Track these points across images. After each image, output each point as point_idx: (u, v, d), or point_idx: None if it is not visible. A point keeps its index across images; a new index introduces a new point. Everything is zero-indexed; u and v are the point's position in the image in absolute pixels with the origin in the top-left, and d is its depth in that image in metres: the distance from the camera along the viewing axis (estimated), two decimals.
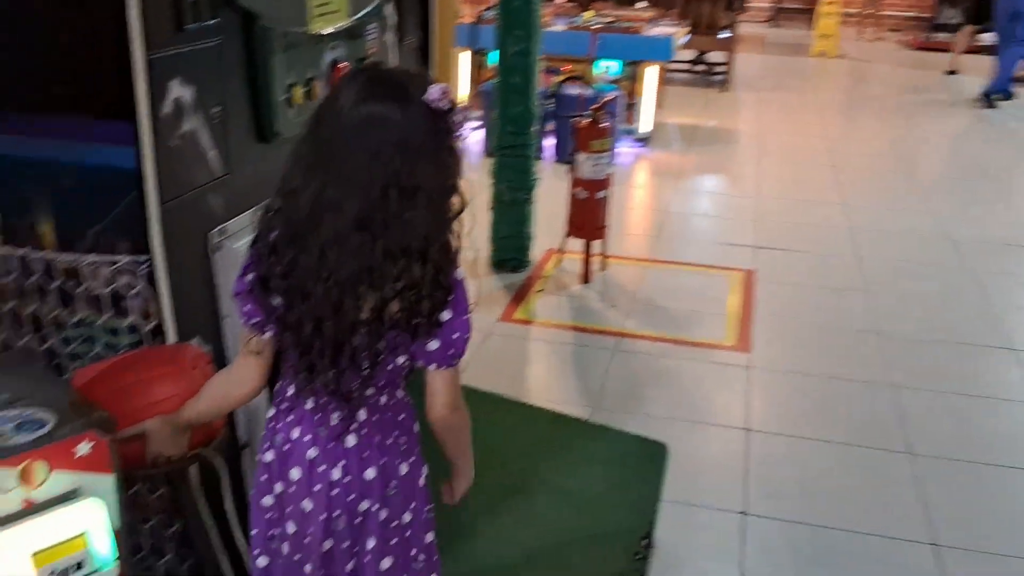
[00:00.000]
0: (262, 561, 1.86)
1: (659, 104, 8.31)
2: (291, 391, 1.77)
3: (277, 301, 1.65)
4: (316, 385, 1.69)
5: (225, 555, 2.02)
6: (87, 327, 2.05)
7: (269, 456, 1.81)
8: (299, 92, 2.40)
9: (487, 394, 3.71)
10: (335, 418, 1.74)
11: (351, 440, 1.75)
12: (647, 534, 3.03)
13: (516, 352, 4.34)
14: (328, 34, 2.52)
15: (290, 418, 1.78)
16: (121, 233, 1.94)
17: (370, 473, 1.76)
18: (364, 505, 1.78)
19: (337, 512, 1.76)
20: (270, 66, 2.27)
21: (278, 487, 1.80)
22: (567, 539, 2.97)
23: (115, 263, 1.96)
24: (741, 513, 3.19)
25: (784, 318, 4.78)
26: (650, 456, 3.48)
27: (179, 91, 1.96)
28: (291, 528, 1.80)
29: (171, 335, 2.00)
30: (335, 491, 1.76)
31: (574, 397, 3.94)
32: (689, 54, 10.74)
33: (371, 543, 1.80)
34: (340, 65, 2.61)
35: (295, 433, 1.77)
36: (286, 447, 1.78)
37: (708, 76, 10.92)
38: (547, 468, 3.30)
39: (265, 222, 1.65)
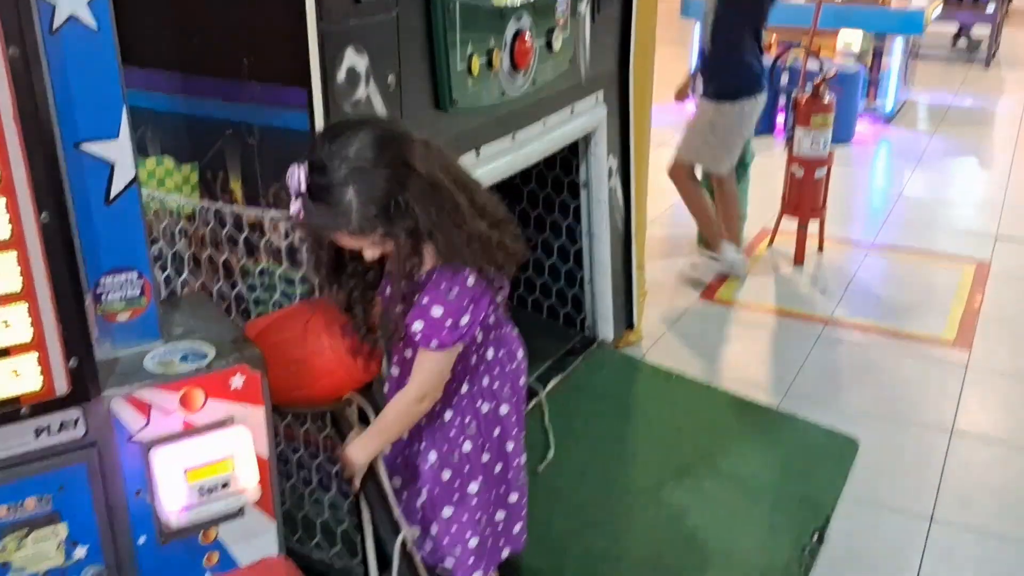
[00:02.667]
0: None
1: (907, 80, 7.76)
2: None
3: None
4: None
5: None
6: (269, 275, 2.25)
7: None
8: (478, 62, 2.48)
9: (669, 373, 3.69)
10: None
11: None
12: (820, 529, 2.91)
13: (711, 332, 4.25)
14: (512, 6, 2.58)
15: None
16: None
17: None
18: None
19: None
20: (448, 37, 2.36)
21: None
22: (733, 524, 2.91)
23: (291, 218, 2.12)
24: (927, 519, 2.98)
25: (1016, 318, 4.37)
26: (837, 450, 3.33)
27: (353, 60, 2.09)
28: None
29: None
30: None
31: (765, 383, 3.81)
32: (950, 28, 9.92)
33: None
34: (524, 36, 2.67)
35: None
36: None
37: (970, 52, 10.04)
38: (721, 452, 3.24)
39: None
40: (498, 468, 2.08)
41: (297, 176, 1.73)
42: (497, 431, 2.05)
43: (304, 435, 2.38)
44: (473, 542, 2.08)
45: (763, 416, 3.48)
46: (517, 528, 2.19)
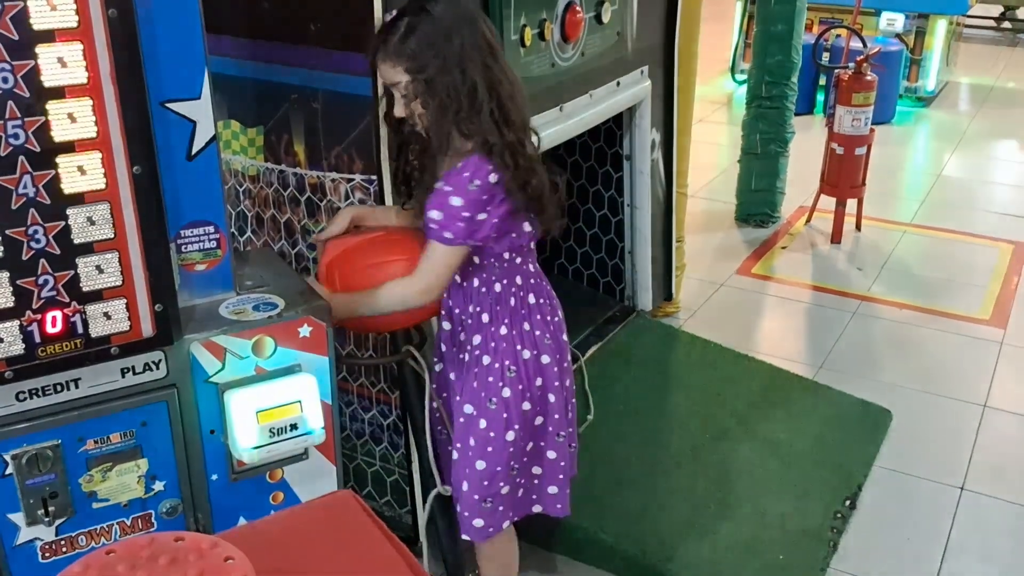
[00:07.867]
0: None
1: (949, 62, 7.70)
2: None
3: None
4: None
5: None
6: None
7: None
8: (530, 33, 2.56)
9: (707, 341, 3.76)
10: None
11: None
12: (852, 495, 2.98)
13: (748, 306, 4.32)
14: None
15: None
16: (358, 154, 2.21)
17: None
18: None
19: None
20: (503, 9, 2.44)
21: None
22: (767, 487, 2.99)
23: (351, 180, 2.23)
24: (959, 488, 3.04)
25: None
26: (872, 420, 3.39)
27: None
28: None
29: None
30: None
31: (801, 356, 3.88)
32: (994, 10, 9.79)
33: None
34: (575, 8, 2.74)
35: None
36: None
37: (1015, 34, 9.92)
38: (757, 418, 3.32)
39: None
40: (538, 421, 2.09)
41: None
42: (539, 381, 2.05)
43: (357, 388, 2.49)
44: (504, 490, 2.10)
45: (799, 385, 3.55)
46: (553, 490, 2.19)
